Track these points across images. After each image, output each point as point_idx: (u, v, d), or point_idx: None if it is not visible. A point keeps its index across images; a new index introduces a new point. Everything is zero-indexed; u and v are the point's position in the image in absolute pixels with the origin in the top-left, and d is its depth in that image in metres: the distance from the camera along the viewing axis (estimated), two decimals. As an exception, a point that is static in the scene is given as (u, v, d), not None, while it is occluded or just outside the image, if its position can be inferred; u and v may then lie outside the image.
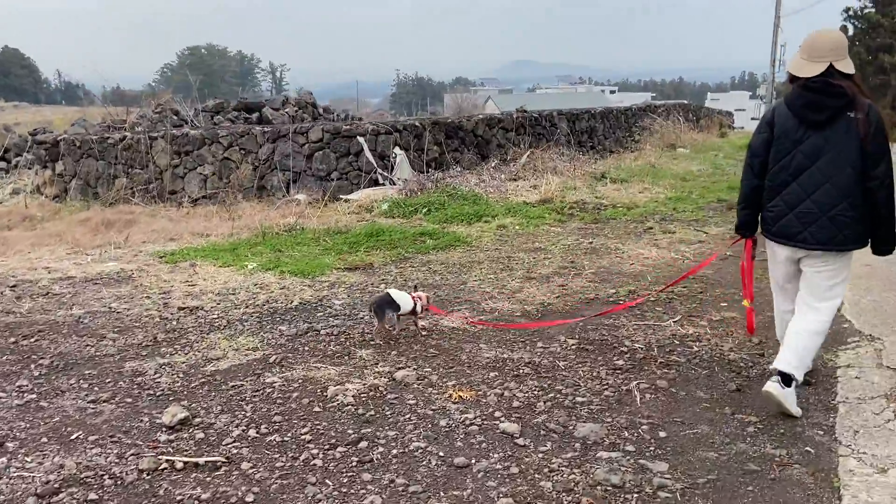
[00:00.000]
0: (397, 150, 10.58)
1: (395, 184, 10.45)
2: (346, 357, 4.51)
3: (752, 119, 74.92)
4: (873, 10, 56.63)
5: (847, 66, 3.51)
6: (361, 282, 6.35)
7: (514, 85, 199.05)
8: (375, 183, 10.48)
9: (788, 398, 3.55)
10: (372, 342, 4.76)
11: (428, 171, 11.10)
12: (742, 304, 4.32)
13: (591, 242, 7.79)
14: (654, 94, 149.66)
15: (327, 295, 5.91)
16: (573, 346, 4.65)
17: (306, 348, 4.67)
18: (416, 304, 4.78)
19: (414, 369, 4.26)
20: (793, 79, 3.63)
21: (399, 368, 4.27)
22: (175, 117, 15.93)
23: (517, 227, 8.72)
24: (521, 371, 4.25)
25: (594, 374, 4.20)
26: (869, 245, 3.69)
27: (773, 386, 3.55)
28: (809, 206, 3.55)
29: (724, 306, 5.51)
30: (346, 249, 7.59)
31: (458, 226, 8.82)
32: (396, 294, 4.72)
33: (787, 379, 3.56)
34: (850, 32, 58.43)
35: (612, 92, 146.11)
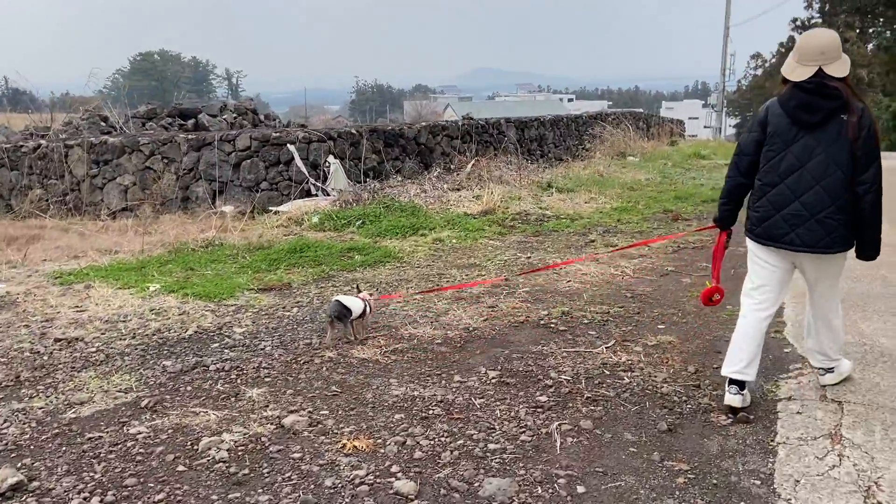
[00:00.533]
0: (331, 158, 10.04)
1: (329, 194, 9.90)
2: (233, 398, 3.96)
3: (706, 127, 76.20)
4: (820, 20, 58.07)
5: (840, 69, 3.48)
6: (273, 305, 5.79)
7: (475, 93, 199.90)
8: (308, 194, 9.92)
9: (841, 374, 4.02)
10: (266, 379, 4.23)
11: (365, 181, 10.58)
12: (706, 283, 4.35)
13: (528, 257, 7.37)
14: (610, 103, 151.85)
15: (230, 322, 5.34)
16: (493, 380, 4.18)
17: (189, 388, 4.10)
18: (365, 307, 4.83)
19: (308, 412, 3.74)
20: (785, 80, 3.60)
21: (291, 411, 3.74)
22: (104, 124, 15.11)
23: (454, 241, 8.26)
24: (430, 412, 3.76)
25: (512, 413, 3.74)
26: (854, 249, 3.66)
27: (826, 378, 3.97)
28: (798, 207, 3.51)
29: (662, 328, 5.10)
30: (264, 267, 7.02)
31: (391, 240, 8.31)
32: (347, 300, 4.73)
33: (828, 369, 3.96)
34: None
35: (570, 100, 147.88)
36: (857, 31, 51.80)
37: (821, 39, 3.52)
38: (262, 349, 4.72)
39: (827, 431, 3.51)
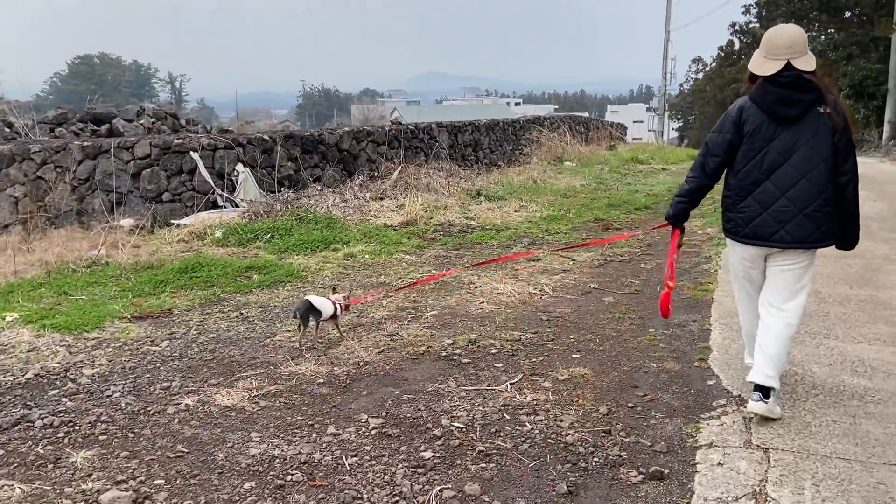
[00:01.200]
0: (240, 167, 9.31)
1: (237, 206, 9.17)
2: (52, 465, 3.26)
3: (650, 130, 77.31)
4: (758, 25, 59.34)
5: (808, 62, 3.48)
6: (141, 338, 5.07)
7: (423, 97, 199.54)
8: (215, 205, 9.17)
9: (774, 410, 3.57)
10: (101, 437, 3.53)
11: (280, 191, 9.87)
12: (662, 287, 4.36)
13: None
14: (556, 107, 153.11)
15: (82, 360, 4.60)
16: (374, 430, 3.57)
17: (1, 452, 3.38)
18: (336, 308, 4.79)
19: (138, 483, 3.07)
20: (754, 77, 3.58)
21: (117, 483, 3.07)
22: (8, 130, 14.01)
23: (367, 257, 7.63)
24: (288, 477, 3.13)
25: (388, 476, 3.14)
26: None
27: (756, 406, 3.54)
28: (785, 203, 3.49)
29: (576, 358, 4.58)
30: (147, 290, 6.27)
31: (300, 256, 7.64)
32: (317, 300, 4.70)
33: (766, 391, 3.55)
34: (737, 47, 61.14)
35: (517, 104, 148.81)
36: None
37: (789, 34, 3.51)
38: (108, 397, 4.01)
39: (751, 489, 3.02)
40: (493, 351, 4.71)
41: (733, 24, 60.16)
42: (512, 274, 6.79)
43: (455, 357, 4.61)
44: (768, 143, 3.49)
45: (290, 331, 5.17)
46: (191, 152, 9.09)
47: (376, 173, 12.17)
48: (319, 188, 10.50)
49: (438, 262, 7.40)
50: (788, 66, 3.44)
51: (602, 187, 13.49)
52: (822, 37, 33.13)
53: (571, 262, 7.27)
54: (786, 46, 3.46)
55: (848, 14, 31.58)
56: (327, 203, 9.79)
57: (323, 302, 4.73)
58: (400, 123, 13.58)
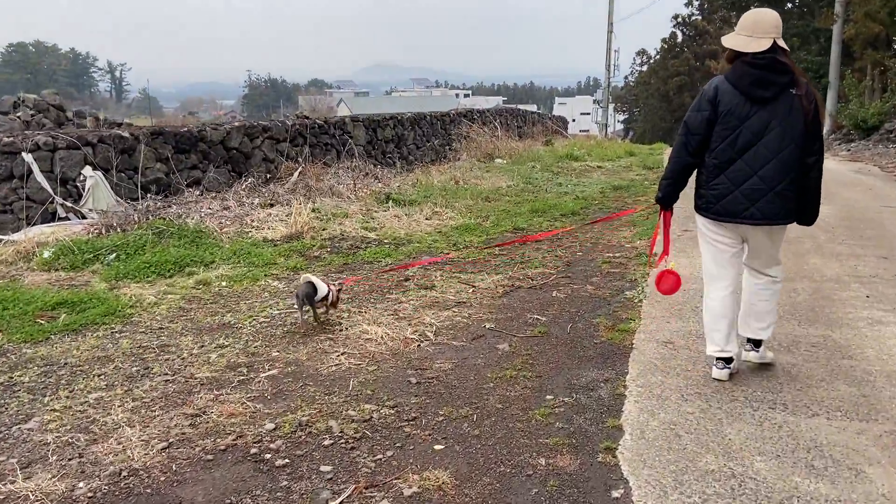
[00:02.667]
0: (88, 170, 7.78)
1: (85, 217, 7.64)
2: None
3: (596, 122, 77.06)
4: (700, 17, 59.32)
5: (784, 44, 3.60)
6: None
7: (372, 88, 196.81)
8: (55, 217, 7.62)
9: (766, 355, 4.12)
10: None
11: (145, 198, 8.36)
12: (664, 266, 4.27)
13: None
14: (505, 98, 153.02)
15: None
16: None
17: None
18: (329, 293, 4.94)
19: None
20: (733, 57, 3.68)
21: None
22: None
23: (225, 284, 6.23)
24: None
25: None
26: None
27: (749, 355, 4.07)
28: (756, 182, 3.61)
29: (439, 452, 3.30)
30: None
31: (140, 284, 6.19)
32: (318, 281, 4.91)
33: (757, 343, 4.05)
34: (679, 39, 61.06)
35: (466, 95, 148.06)
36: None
37: (773, 15, 3.63)
38: None
39: None
40: (327, 442, 3.41)
41: (676, 17, 60.20)
42: (393, 308, 5.47)
43: (268, 455, 3.29)
44: (742, 123, 3.58)
45: (51, 414, 3.75)
46: (23, 153, 7.51)
47: (274, 175, 10.73)
48: (198, 193, 9.02)
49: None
50: (774, 44, 3.55)
51: (530, 188, 12.30)
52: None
53: (471, 291, 5.99)
54: (773, 26, 3.58)
55: (789, 5, 31.16)
56: (201, 212, 8.32)
57: (321, 285, 4.90)
58: (306, 118, 12.13)
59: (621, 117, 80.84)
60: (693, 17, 59.14)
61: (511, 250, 7.68)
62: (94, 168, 7.89)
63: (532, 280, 6.36)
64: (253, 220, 8.43)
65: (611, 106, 73.84)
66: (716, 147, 3.67)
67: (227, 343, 4.77)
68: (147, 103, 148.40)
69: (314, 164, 11.12)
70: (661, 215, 4.16)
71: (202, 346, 4.71)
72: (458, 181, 12.53)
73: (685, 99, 57.82)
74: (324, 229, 8.36)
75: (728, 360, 3.88)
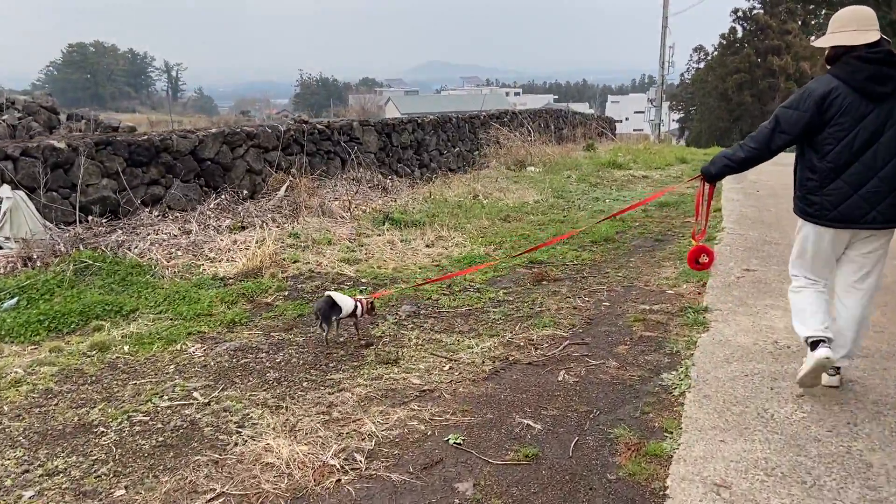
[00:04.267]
0: (5, 190, 6.44)
1: (1, 247, 6.31)
2: None
3: (651, 121, 74.07)
4: (762, 11, 56.18)
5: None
6: None
7: (424, 86, 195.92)
8: (-36, 247, 6.31)
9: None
10: None
11: (89, 220, 7.00)
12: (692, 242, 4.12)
13: (208, 403, 3.92)
14: (556, 97, 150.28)
15: None
16: None
17: None
18: (356, 307, 4.66)
19: None
20: (837, 56, 3.50)
21: None
22: None
23: (126, 349, 4.77)
24: None
25: None
26: None
27: (825, 351, 3.53)
28: (877, 184, 3.43)
29: None
30: None
31: (23, 345, 4.79)
32: (338, 296, 4.61)
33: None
34: (739, 34, 57.98)
35: (517, 94, 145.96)
36: (800, 22, 49.92)
37: (869, 9, 3.48)
38: None
39: None
40: None
41: (735, 11, 57.13)
42: (328, 402, 3.92)
43: None
44: (859, 123, 3.39)
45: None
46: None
47: (259, 189, 9.31)
48: (157, 214, 7.64)
49: (225, 368, 4.49)
50: (880, 39, 3.37)
51: (560, 205, 10.59)
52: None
53: (448, 367, 4.39)
54: (874, 19, 3.43)
55: (862, -4, 28.41)
56: (151, 238, 6.92)
57: (345, 299, 4.62)
58: (305, 122, 10.68)
59: (676, 116, 77.66)
60: (754, 12, 56.00)
61: (520, 295, 6.04)
62: (15, 187, 6.55)
63: (536, 348, 4.72)
64: (213, 249, 6.99)
65: (665, 104, 71.01)
66: (830, 150, 3.47)
67: (62, 467, 3.28)
68: (202, 102, 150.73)
69: (308, 176, 9.64)
70: (703, 186, 4.00)
71: (23, 474, 3.23)
72: (478, 195, 10.90)
73: (745, 97, 54.82)
74: (294, 261, 6.86)
75: (828, 341, 3.55)
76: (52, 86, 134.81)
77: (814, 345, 3.58)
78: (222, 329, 5.13)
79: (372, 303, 4.91)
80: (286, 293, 5.99)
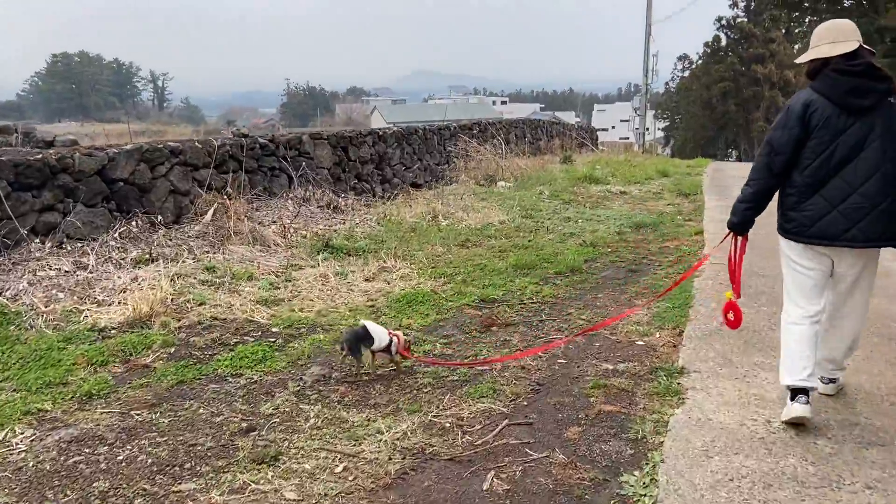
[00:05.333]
0: None
1: None
2: None
3: (633, 131, 73.32)
4: (746, 19, 55.68)
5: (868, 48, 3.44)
6: None
7: (412, 95, 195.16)
8: None
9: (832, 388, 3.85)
10: None
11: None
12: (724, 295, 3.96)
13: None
14: (542, 105, 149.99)
15: None
16: None
17: None
18: (392, 342, 4.32)
19: None
20: (817, 69, 3.45)
21: None
22: None
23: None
24: None
25: None
26: None
27: (803, 409, 3.44)
28: (857, 200, 3.35)
29: None
30: None
31: None
32: (373, 326, 4.29)
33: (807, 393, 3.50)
34: (723, 42, 57.44)
35: (504, 102, 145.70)
36: (784, 30, 49.41)
37: (849, 22, 3.48)
38: None
39: None
40: None
41: (720, 19, 56.56)
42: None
43: None
44: (838, 137, 3.36)
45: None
46: None
47: (184, 213, 8.24)
48: (50, 245, 6.56)
49: (64, 463, 3.43)
50: (859, 51, 3.36)
51: (528, 226, 9.57)
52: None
53: (341, 467, 3.34)
54: (853, 30, 3.41)
55: (848, 2, 27.77)
56: (28, 278, 5.84)
57: (379, 330, 4.27)
58: (245, 135, 9.62)
59: (662, 125, 77.14)
60: (738, 20, 55.51)
61: (461, 347, 5.02)
62: None
63: (464, 432, 3.68)
64: (105, 289, 5.91)
65: (650, 113, 70.38)
66: (808, 164, 3.42)
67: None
68: (189, 112, 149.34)
69: (243, 197, 8.58)
70: (735, 242, 3.85)
71: None
72: (438, 215, 9.87)
73: (729, 106, 54.25)
74: (200, 303, 5.79)
75: (806, 393, 3.46)
76: (37, 97, 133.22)
77: (794, 393, 3.48)
78: (71, 406, 4.06)
79: (409, 342, 4.58)
80: (172, 349, 4.92)
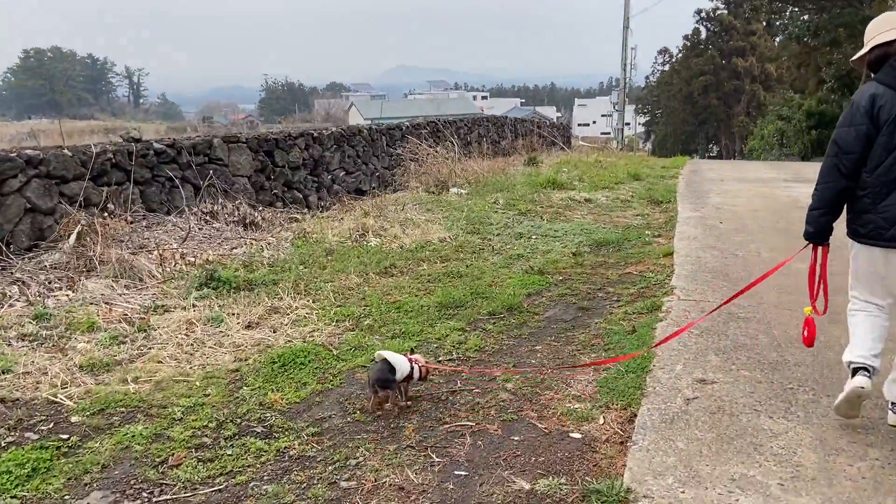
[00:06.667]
0: None
1: None
2: None
3: (611, 128, 72.16)
4: (726, 11, 54.63)
5: None
6: None
7: (392, 91, 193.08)
8: None
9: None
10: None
11: None
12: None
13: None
14: (523, 100, 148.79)
15: None
16: None
17: None
18: (412, 369, 3.95)
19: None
20: (878, 60, 3.30)
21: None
22: None
23: None
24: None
25: None
26: None
27: (863, 380, 3.28)
28: None
29: None
30: None
31: None
32: (393, 357, 3.88)
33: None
34: (703, 35, 56.41)
35: (484, 97, 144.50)
36: (764, 23, 48.37)
37: None
38: None
39: None
40: None
41: (699, 12, 55.53)
42: None
43: None
44: None
45: None
46: None
47: (44, 236, 6.78)
48: None
49: None
50: None
51: (473, 244, 8.19)
52: (805, 16, 27.96)
53: None
54: None
55: (832, -8, 26.62)
56: None
57: (399, 359, 3.90)
58: (136, 140, 8.16)
59: (643, 119, 76.09)
60: (718, 12, 54.47)
61: (332, 445, 3.63)
62: None
63: None
64: None
65: (631, 108, 69.24)
66: (881, 162, 3.23)
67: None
68: (165, 108, 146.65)
69: (127, 214, 7.12)
70: (815, 253, 3.59)
71: None
72: (368, 232, 8.46)
73: (710, 100, 53.24)
74: (3, 372, 4.34)
75: (870, 371, 3.30)
76: (9, 93, 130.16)
77: (854, 371, 3.32)
78: None
79: (428, 370, 4.15)
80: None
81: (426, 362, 4.14)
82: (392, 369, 3.84)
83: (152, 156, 8.19)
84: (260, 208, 9.27)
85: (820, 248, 3.56)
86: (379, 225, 8.84)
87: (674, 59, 62.10)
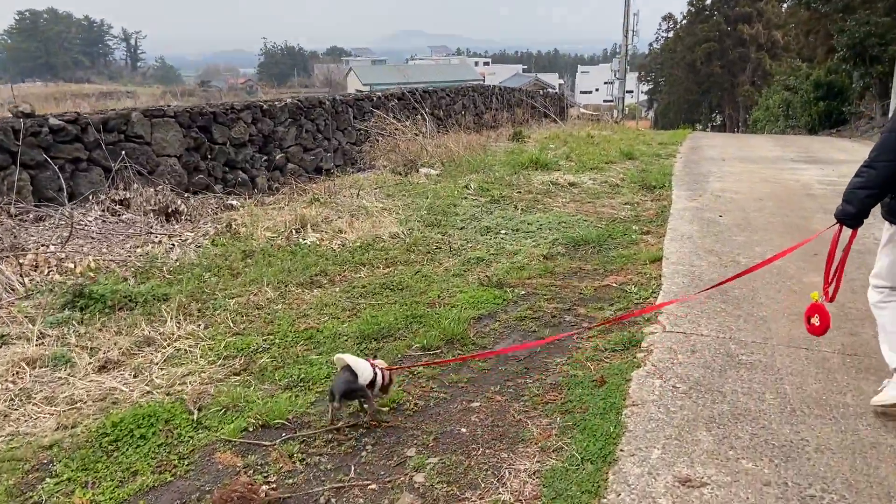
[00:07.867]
0: None
1: None
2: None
3: (611, 97, 69.93)
4: (731, -26, 52.43)
5: None
6: None
7: (395, 55, 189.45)
8: None
9: None
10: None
11: None
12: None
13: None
14: (525, 67, 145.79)
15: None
16: None
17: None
18: (375, 376, 3.48)
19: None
20: None
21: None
22: None
23: None
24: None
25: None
26: None
27: None
28: None
29: None
30: None
31: None
32: (353, 360, 3.45)
33: None
34: (708, 1, 54.33)
35: (486, 63, 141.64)
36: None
37: None
38: None
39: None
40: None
41: (706, -25, 53.24)
42: None
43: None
44: None
45: None
46: None
47: None
48: None
49: None
50: None
51: (429, 241, 6.92)
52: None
53: None
54: None
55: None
56: None
57: (361, 364, 3.44)
58: (29, 115, 6.83)
59: (646, 87, 74.01)
60: (725, -24, 52.24)
61: None
62: None
63: None
64: None
65: (633, 76, 67.16)
66: None
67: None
68: (163, 72, 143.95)
69: (8, 205, 5.84)
70: (838, 234, 3.26)
71: None
72: (306, 226, 7.18)
73: (714, 68, 51.40)
74: None
75: None
76: (4, 56, 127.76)
77: None
78: None
79: (391, 377, 3.62)
80: None
81: (388, 366, 3.66)
82: (355, 375, 3.39)
83: (46, 134, 6.88)
84: (187, 195, 7.98)
85: (850, 232, 3.22)
86: (323, 216, 7.56)
87: (678, 26, 59.99)
